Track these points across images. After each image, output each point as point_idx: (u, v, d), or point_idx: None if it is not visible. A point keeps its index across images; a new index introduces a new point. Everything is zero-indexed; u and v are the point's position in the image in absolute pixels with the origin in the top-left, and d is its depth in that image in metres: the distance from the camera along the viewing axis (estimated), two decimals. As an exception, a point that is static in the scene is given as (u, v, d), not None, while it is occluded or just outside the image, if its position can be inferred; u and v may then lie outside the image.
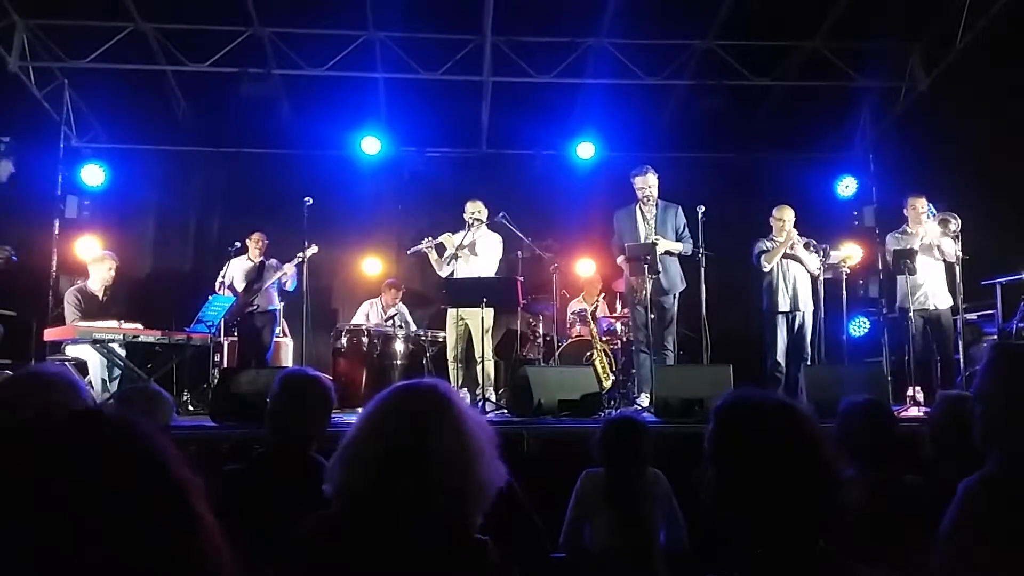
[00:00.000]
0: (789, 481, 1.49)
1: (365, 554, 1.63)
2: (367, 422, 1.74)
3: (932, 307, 7.14)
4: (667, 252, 7.06)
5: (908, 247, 7.10)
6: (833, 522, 1.53)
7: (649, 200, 7.14)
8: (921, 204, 7.24)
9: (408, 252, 7.95)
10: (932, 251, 7.11)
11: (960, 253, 6.91)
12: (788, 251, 7.31)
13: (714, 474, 1.58)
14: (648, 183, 7.13)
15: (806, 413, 1.59)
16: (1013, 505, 1.97)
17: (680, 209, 7.19)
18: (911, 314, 7.02)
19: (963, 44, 8.19)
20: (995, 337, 7.70)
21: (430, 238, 7.65)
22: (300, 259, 7.73)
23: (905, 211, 7.36)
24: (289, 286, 8.44)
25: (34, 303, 6.90)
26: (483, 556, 1.70)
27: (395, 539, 1.62)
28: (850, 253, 8.10)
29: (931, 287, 7.15)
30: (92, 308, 7.38)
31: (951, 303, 7.13)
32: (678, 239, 7.13)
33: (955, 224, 6.88)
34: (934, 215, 7.10)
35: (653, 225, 7.12)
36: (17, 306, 7.68)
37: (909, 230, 7.29)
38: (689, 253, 7.10)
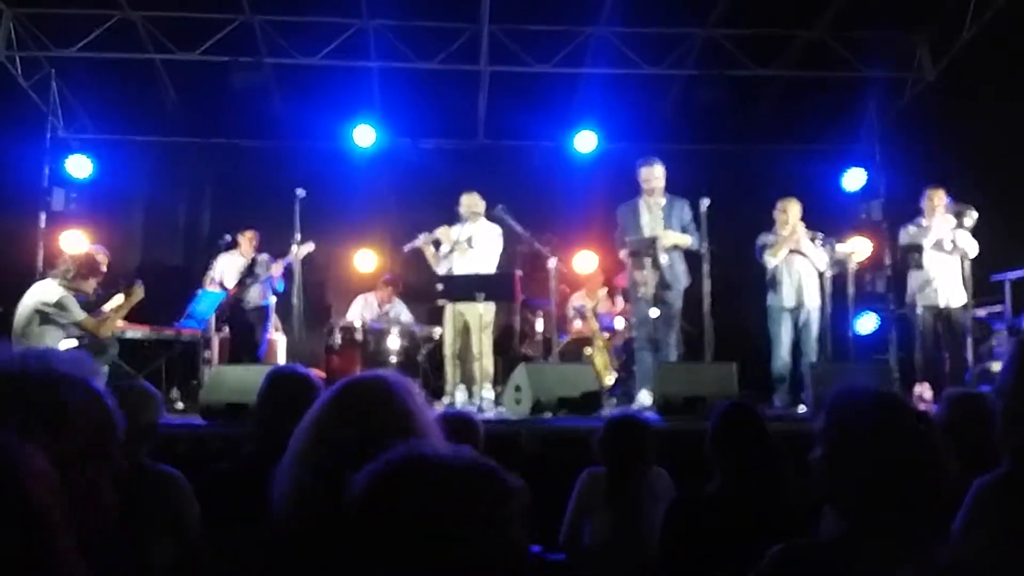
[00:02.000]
0: (895, 473, 1.61)
1: (314, 555, 1.58)
2: (309, 420, 1.70)
3: (943, 303, 6.97)
4: (674, 246, 6.91)
5: (917, 242, 6.95)
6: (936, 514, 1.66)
7: (655, 193, 6.97)
8: (939, 196, 7.02)
9: (404, 249, 7.78)
10: (946, 245, 6.92)
11: (972, 250, 6.79)
12: (793, 246, 7.15)
13: (823, 456, 1.72)
14: (655, 175, 6.95)
15: (920, 413, 1.72)
16: None
17: (687, 203, 7.02)
18: (918, 310, 6.92)
19: (971, 34, 8.10)
20: (1004, 333, 7.58)
21: (426, 233, 7.47)
22: (291, 259, 7.54)
23: (922, 203, 7.17)
24: (277, 286, 8.38)
25: (20, 297, 6.77)
26: None
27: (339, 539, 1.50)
28: (857, 248, 7.92)
29: (943, 283, 6.96)
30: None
31: (964, 300, 6.97)
32: (684, 233, 6.97)
33: (971, 218, 6.72)
34: (950, 205, 6.93)
35: (660, 218, 6.94)
36: (2, 300, 7.52)
37: (924, 223, 7.09)
38: (696, 248, 6.93)
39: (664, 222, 6.92)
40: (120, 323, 6.91)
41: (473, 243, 7.33)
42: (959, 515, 1.99)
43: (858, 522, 1.64)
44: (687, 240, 6.91)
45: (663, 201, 6.97)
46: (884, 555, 1.56)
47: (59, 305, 6.09)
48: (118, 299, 6.63)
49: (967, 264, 6.86)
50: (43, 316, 6.08)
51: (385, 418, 1.65)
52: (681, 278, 6.96)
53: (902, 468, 1.60)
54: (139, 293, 6.56)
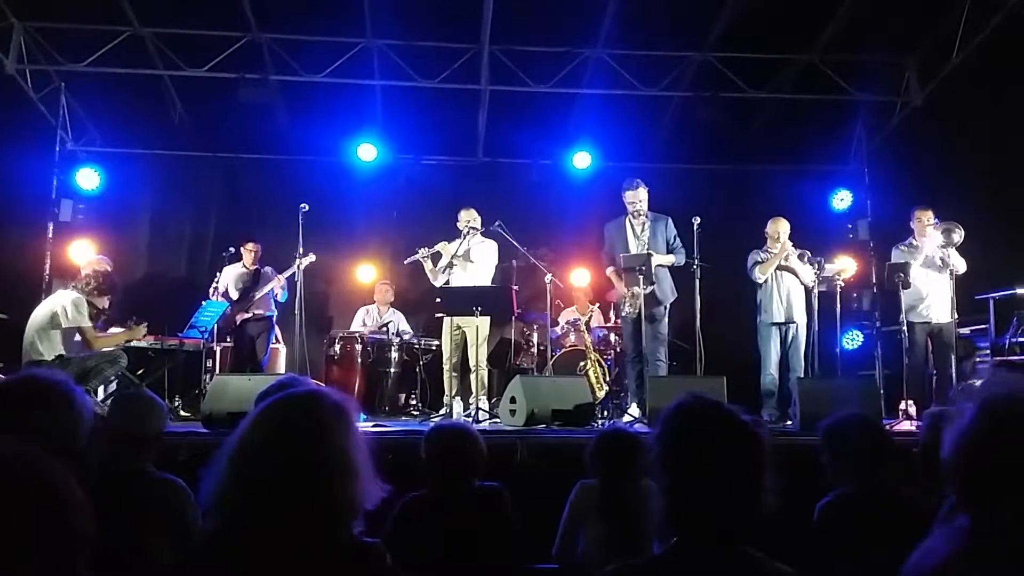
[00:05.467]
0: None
1: (243, 568, 1.62)
2: (236, 434, 1.72)
3: (936, 320, 7.11)
4: (659, 265, 7.06)
5: (904, 260, 7.10)
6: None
7: (639, 215, 7.14)
8: (927, 216, 7.19)
9: (404, 262, 7.95)
10: (936, 263, 7.07)
11: (961, 267, 6.94)
12: (782, 263, 7.32)
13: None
14: (639, 198, 7.11)
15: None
16: None
17: (670, 220, 7.19)
18: (904, 327, 7.04)
19: (958, 59, 8.22)
20: (988, 352, 7.72)
21: (426, 248, 7.64)
22: (294, 269, 7.72)
23: (912, 224, 7.33)
24: (280, 297, 8.48)
25: (27, 307, 6.91)
26: (363, 561, 1.69)
27: (265, 551, 1.61)
28: (844, 266, 8.09)
29: (935, 300, 7.10)
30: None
31: (956, 316, 7.07)
32: (670, 250, 7.13)
33: (959, 235, 6.86)
34: (938, 224, 7.06)
35: (645, 240, 7.11)
36: (9, 309, 7.66)
37: (915, 243, 7.25)
38: (683, 263, 7.10)
39: (650, 241, 7.10)
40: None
41: (472, 257, 7.52)
42: (932, 531, 2.05)
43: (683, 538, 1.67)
44: (671, 259, 7.09)
45: (647, 221, 7.15)
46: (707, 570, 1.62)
47: (73, 305, 6.32)
48: (120, 329, 6.91)
49: (952, 282, 6.97)
50: (55, 320, 6.31)
51: (304, 434, 1.68)
52: (668, 294, 7.13)
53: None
54: (140, 333, 6.83)
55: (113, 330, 6.93)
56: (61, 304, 6.36)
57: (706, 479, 1.61)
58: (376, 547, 1.72)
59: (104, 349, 6.51)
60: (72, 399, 2.23)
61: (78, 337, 6.41)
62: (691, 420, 1.70)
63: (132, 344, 7.17)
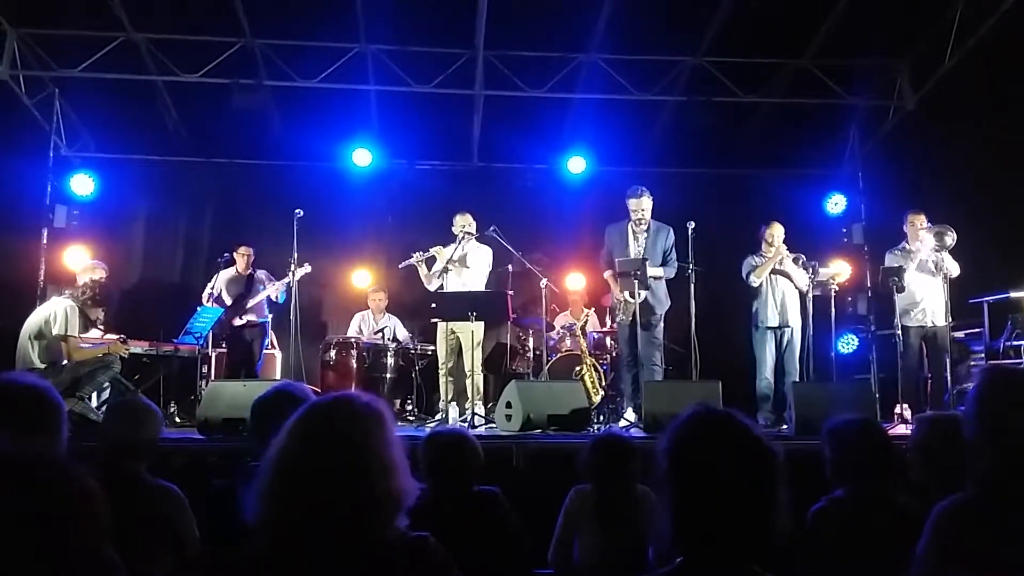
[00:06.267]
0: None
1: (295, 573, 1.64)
2: (275, 445, 1.74)
3: (930, 324, 7.13)
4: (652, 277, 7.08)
5: (898, 264, 7.12)
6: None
7: (641, 223, 7.16)
8: (920, 220, 7.21)
9: (399, 267, 7.95)
10: (930, 267, 7.08)
11: (954, 270, 6.96)
12: (777, 266, 7.34)
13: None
14: (643, 206, 7.14)
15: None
16: (982, 529, 1.99)
17: (671, 231, 7.21)
18: (900, 331, 7.07)
19: (951, 63, 8.25)
20: (982, 355, 7.74)
21: (421, 252, 7.65)
22: (289, 279, 7.69)
23: (905, 227, 7.35)
24: (278, 298, 8.45)
25: (21, 313, 6.89)
26: (416, 553, 1.71)
27: (319, 557, 1.63)
28: (839, 270, 8.11)
29: (930, 304, 7.12)
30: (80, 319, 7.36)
31: (949, 320, 7.09)
32: (664, 261, 7.16)
33: (951, 238, 6.88)
34: (930, 227, 7.08)
35: (644, 247, 7.14)
36: (3, 316, 7.63)
37: (909, 247, 7.27)
38: (671, 277, 7.13)
39: (648, 249, 7.12)
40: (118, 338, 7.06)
41: (467, 262, 7.53)
42: (921, 537, 2.06)
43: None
44: (661, 272, 7.13)
45: (648, 230, 7.17)
46: None
47: (64, 313, 6.31)
48: (103, 342, 6.81)
49: (944, 286, 7.00)
50: (48, 326, 6.31)
51: (339, 438, 1.69)
52: (663, 301, 7.17)
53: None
54: (121, 350, 6.70)
55: (97, 340, 6.86)
56: (54, 311, 6.34)
57: (717, 495, 1.54)
58: (429, 539, 1.74)
59: (75, 357, 6.42)
60: (50, 403, 2.21)
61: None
62: (703, 432, 1.63)
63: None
